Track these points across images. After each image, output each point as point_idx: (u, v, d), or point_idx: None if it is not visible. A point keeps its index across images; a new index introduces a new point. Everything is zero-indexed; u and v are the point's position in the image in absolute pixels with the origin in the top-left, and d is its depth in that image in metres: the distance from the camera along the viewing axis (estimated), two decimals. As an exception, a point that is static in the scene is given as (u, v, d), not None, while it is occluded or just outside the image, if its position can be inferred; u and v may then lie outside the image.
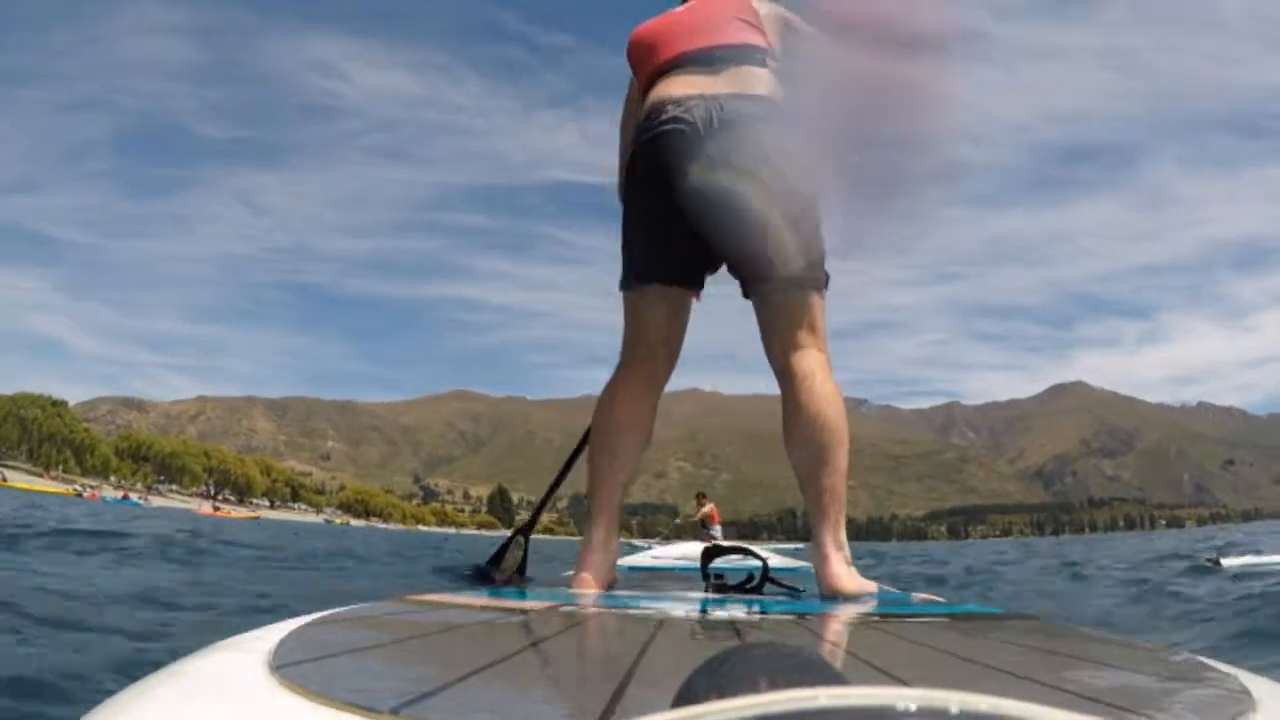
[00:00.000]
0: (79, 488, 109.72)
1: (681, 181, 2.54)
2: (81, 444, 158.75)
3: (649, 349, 2.84)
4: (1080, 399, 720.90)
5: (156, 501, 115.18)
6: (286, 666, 0.82)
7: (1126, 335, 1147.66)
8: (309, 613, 1.22)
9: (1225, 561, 8.16)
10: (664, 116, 2.70)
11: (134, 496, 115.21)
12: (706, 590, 2.51)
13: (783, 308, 2.72)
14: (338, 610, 1.42)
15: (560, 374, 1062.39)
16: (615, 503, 2.77)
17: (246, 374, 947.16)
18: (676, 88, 2.75)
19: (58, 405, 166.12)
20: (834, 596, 2.41)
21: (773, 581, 2.54)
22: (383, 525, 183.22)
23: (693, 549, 5.67)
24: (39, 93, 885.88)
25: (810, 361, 2.68)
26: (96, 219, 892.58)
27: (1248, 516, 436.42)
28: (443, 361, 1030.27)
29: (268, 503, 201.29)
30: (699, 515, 22.80)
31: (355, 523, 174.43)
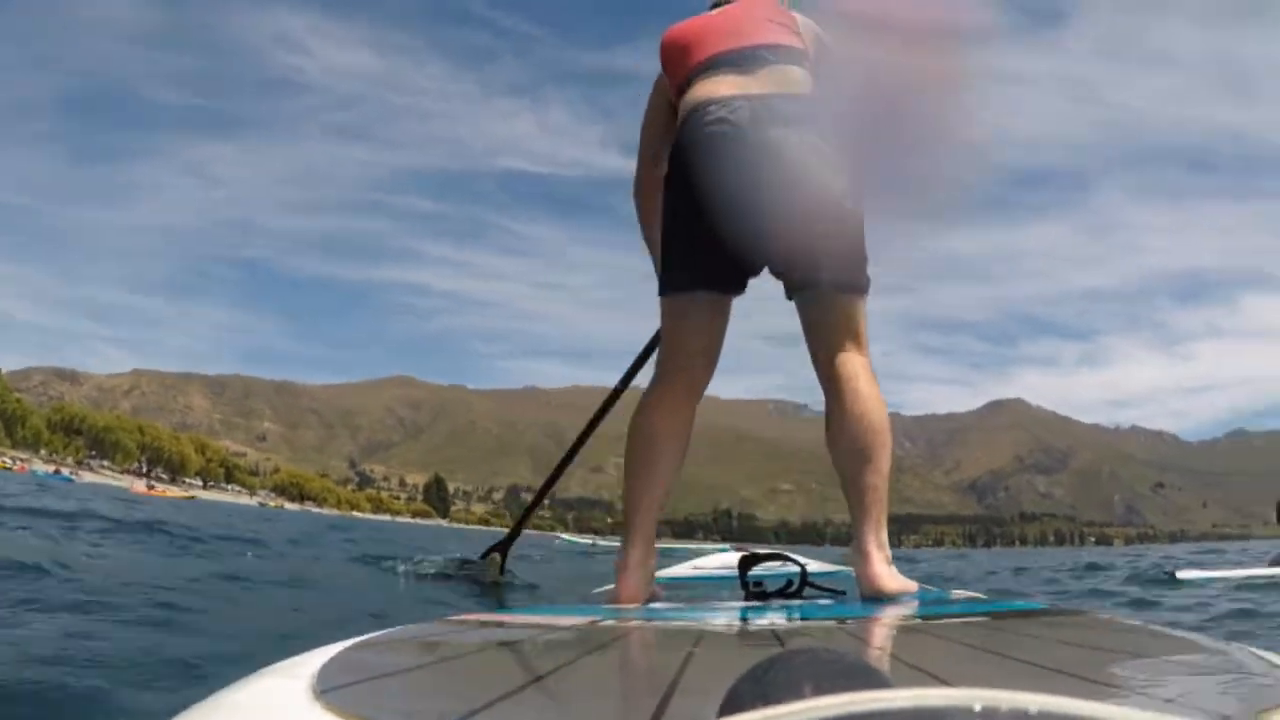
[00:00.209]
0: (8, 460, 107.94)
1: (726, 184, 2.52)
2: (13, 415, 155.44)
3: (688, 357, 2.80)
4: (1017, 416, 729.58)
5: (88, 477, 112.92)
6: (330, 691, 0.82)
7: (1066, 356, 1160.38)
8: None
9: (1181, 574, 8.46)
10: (708, 118, 2.68)
11: (65, 471, 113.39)
12: (746, 598, 2.50)
13: (828, 312, 2.71)
14: (379, 633, 1.43)
15: (503, 364, 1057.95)
16: (651, 520, 2.73)
17: (185, 349, 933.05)
18: (719, 88, 2.73)
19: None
20: (875, 597, 2.41)
21: (812, 585, 2.54)
22: (317, 510, 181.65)
23: (731, 559, 5.29)
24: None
25: (855, 364, 2.67)
26: (37, 182, 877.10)
27: (1174, 538, 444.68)
28: (385, 346, 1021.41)
29: (200, 482, 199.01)
30: None
31: (289, 506, 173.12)
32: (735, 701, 0.51)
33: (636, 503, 2.74)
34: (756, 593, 2.54)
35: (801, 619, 1.82)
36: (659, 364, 2.84)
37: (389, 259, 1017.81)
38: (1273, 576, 7.45)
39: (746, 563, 2.67)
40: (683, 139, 2.78)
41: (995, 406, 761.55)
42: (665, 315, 2.84)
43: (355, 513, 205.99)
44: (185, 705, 0.83)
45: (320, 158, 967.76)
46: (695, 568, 6.28)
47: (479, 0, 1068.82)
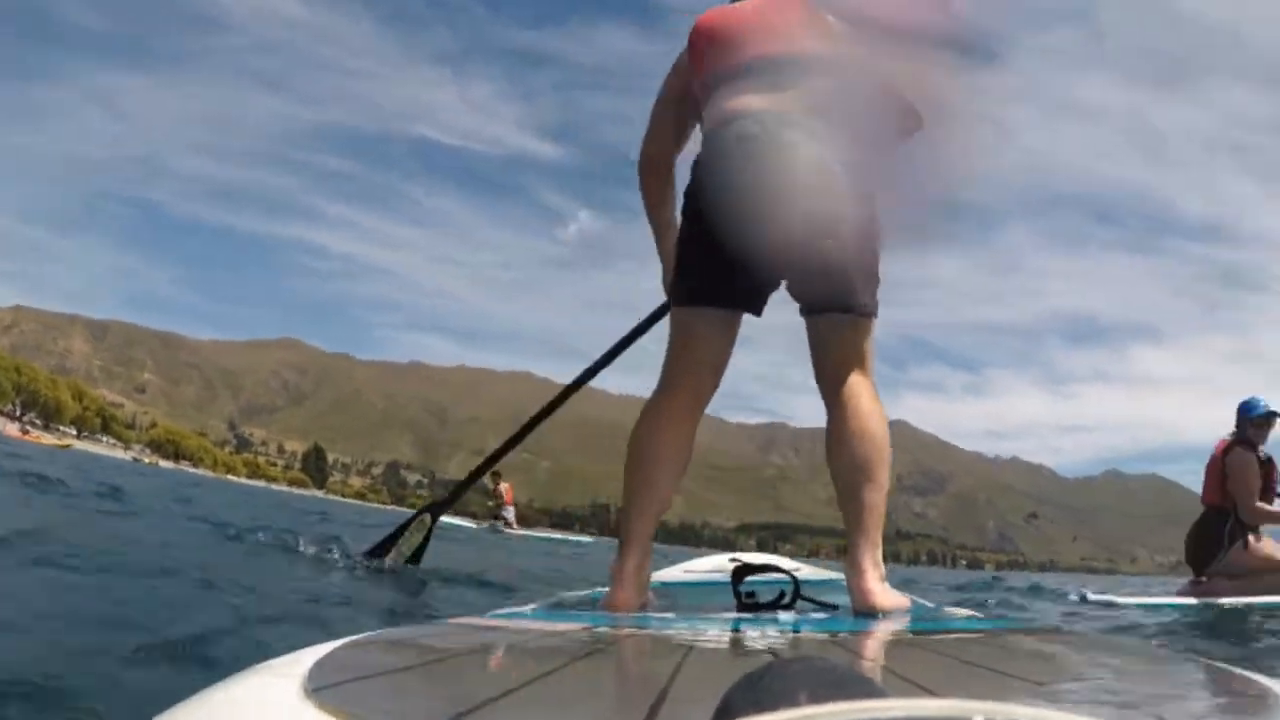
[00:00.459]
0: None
1: (748, 200, 2.50)
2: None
3: (697, 369, 2.78)
4: (900, 437, 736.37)
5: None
6: (323, 690, 0.82)
7: (953, 384, 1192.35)
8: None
9: (1092, 595, 8.58)
10: (735, 133, 2.64)
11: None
12: (739, 609, 2.48)
13: (838, 331, 2.70)
14: (372, 633, 1.41)
15: (393, 336, 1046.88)
16: (649, 529, 2.70)
17: (70, 288, 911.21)
18: (749, 101, 2.69)
19: None
20: (868, 612, 2.41)
21: (805, 598, 2.53)
22: (192, 470, 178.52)
23: (722, 562, 5.93)
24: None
25: (858, 383, 2.67)
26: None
27: (1044, 568, 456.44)
28: (276, 306, 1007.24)
29: (75, 431, 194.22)
30: (495, 494, 24.71)
31: (164, 464, 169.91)
32: (728, 709, 0.52)
33: (636, 510, 2.70)
34: (749, 603, 2.50)
35: (794, 632, 1.81)
36: (665, 373, 2.79)
37: (290, 215, 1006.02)
38: (1181, 605, 7.76)
39: (740, 573, 2.61)
40: (707, 151, 2.75)
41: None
42: (675, 325, 2.82)
43: (230, 476, 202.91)
44: (173, 701, 0.82)
45: (234, 103, 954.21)
46: (686, 571, 6.42)
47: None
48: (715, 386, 2.83)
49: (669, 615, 2.35)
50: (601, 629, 1.77)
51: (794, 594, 2.51)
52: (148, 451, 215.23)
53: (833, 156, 2.52)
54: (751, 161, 2.56)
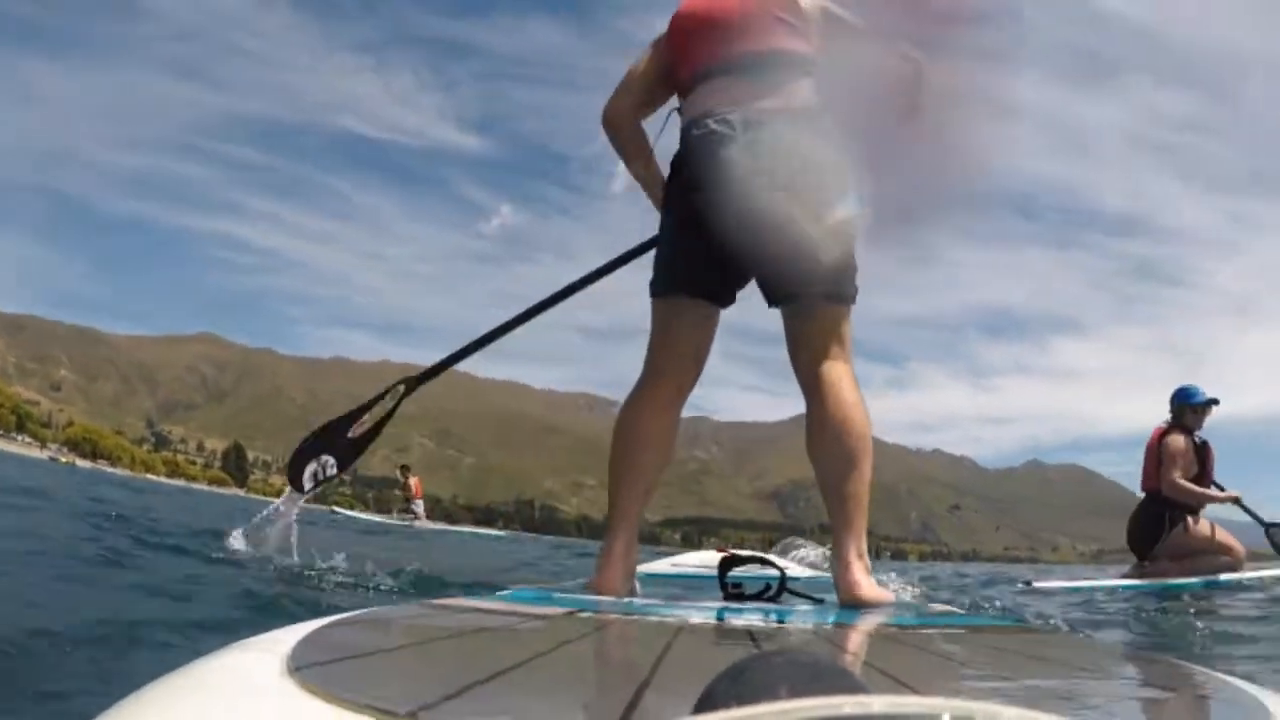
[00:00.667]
0: None
1: (720, 195, 2.51)
2: None
3: (679, 360, 2.83)
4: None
5: None
6: (305, 668, 0.80)
7: (876, 377, 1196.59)
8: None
9: (1038, 584, 8.56)
10: (707, 128, 2.68)
11: None
12: (725, 599, 2.51)
13: (813, 321, 2.72)
14: (356, 613, 1.40)
15: (314, 332, 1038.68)
16: (635, 516, 2.77)
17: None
18: (721, 98, 2.72)
19: None
20: (853, 605, 2.42)
21: (791, 591, 2.53)
22: (110, 469, 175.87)
23: (710, 558, 5.88)
24: None
25: (838, 371, 2.68)
26: None
27: (966, 558, 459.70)
28: (194, 300, 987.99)
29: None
30: (404, 488, 25.66)
31: (81, 463, 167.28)
32: (711, 700, 0.52)
33: (621, 498, 2.75)
34: (735, 594, 2.54)
35: (778, 622, 1.81)
36: (647, 363, 2.84)
37: (208, 208, 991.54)
38: (1125, 587, 7.98)
39: (726, 564, 2.66)
40: (683, 148, 2.80)
41: (802, 419, 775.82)
42: (655, 316, 2.85)
43: (149, 475, 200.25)
44: (156, 675, 0.80)
45: (150, 91, 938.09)
46: (674, 564, 6.71)
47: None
48: (697, 376, 2.86)
49: (655, 602, 2.35)
50: (587, 614, 1.77)
51: (780, 586, 2.50)
52: (65, 450, 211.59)
53: (812, 153, 2.49)
54: (721, 158, 2.56)
